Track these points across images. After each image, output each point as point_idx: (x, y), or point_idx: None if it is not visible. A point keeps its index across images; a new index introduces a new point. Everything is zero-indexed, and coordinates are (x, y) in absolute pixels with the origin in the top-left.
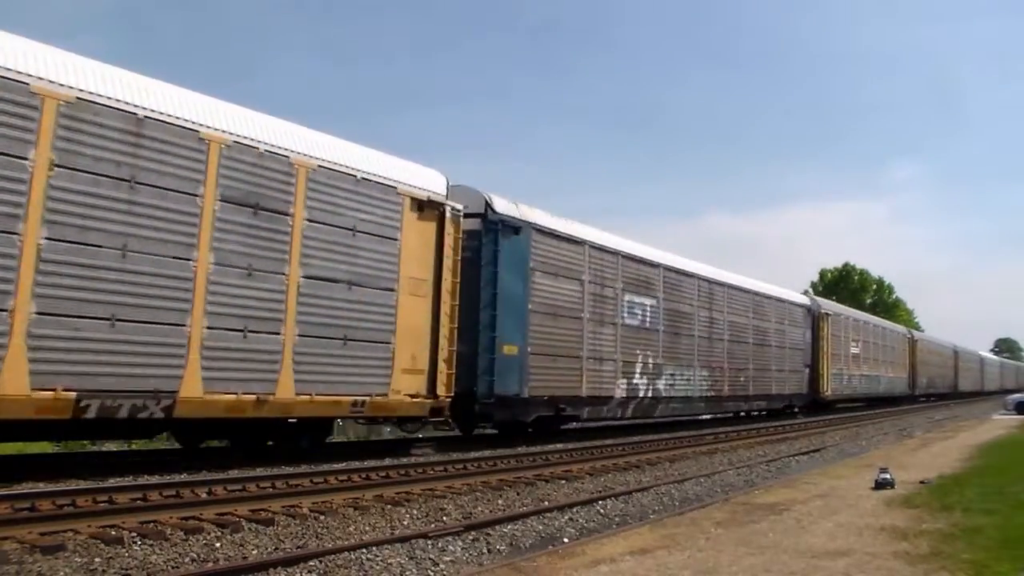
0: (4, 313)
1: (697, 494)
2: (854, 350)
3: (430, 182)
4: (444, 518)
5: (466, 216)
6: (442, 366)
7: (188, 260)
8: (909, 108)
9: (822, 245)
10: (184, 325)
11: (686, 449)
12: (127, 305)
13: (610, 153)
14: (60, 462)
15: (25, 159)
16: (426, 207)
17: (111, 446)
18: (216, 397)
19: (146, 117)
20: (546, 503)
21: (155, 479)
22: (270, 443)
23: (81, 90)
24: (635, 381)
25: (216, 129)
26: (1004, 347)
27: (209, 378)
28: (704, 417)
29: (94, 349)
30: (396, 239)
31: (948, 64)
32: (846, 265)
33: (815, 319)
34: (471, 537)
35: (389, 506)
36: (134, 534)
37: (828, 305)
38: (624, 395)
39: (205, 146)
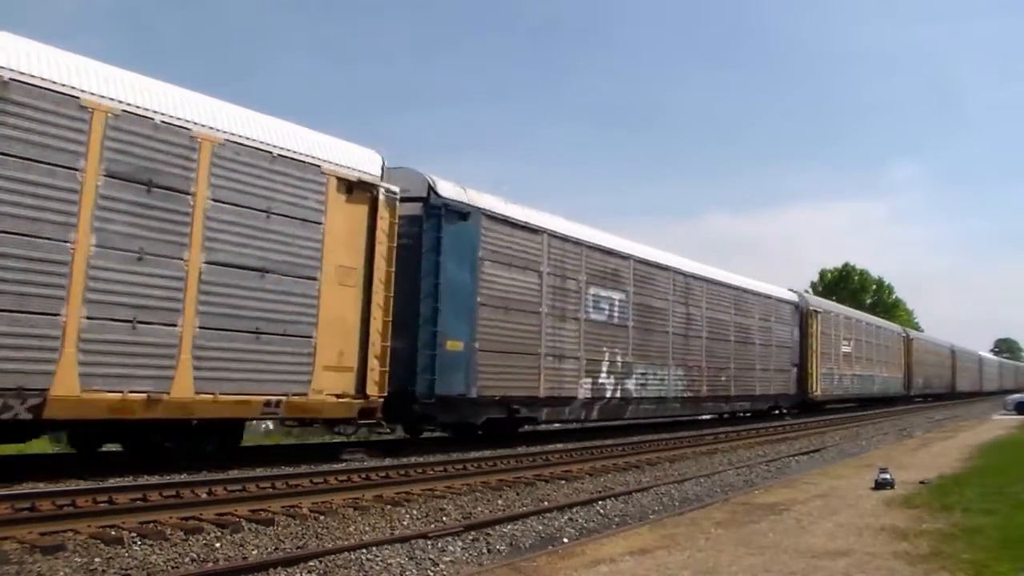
0: None
1: (697, 494)
2: (846, 349)
3: (361, 161)
4: (444, 518)
5: (406, 200)
6: (374, 363)
7: (64, 242)
8: (909, 108)
9: (822, 245)
10: (58, 314)
11: (686, 449)
12: None
13: (610, 153)
14: (60, 462)
15: None
16: (356, 189)
17: (111, 446)
18: (97, 395)
19: (12, 80)
20: (546, 503)
21: (155, 479)
22: (167, 444)
23: None
24: (601, 381)
25: (101, 96)
26: (1004, 347)
27: (88, 374)
28: (682, 419)
29: None
30: (319, 223)
31: (948, 64)
32: (846, 265)
33: (803, 316)
34: (471, 537)
35: (389, 506)
36: (134, 534)
37: (817, 302)
38: (588, 396)
39: (88, 115)
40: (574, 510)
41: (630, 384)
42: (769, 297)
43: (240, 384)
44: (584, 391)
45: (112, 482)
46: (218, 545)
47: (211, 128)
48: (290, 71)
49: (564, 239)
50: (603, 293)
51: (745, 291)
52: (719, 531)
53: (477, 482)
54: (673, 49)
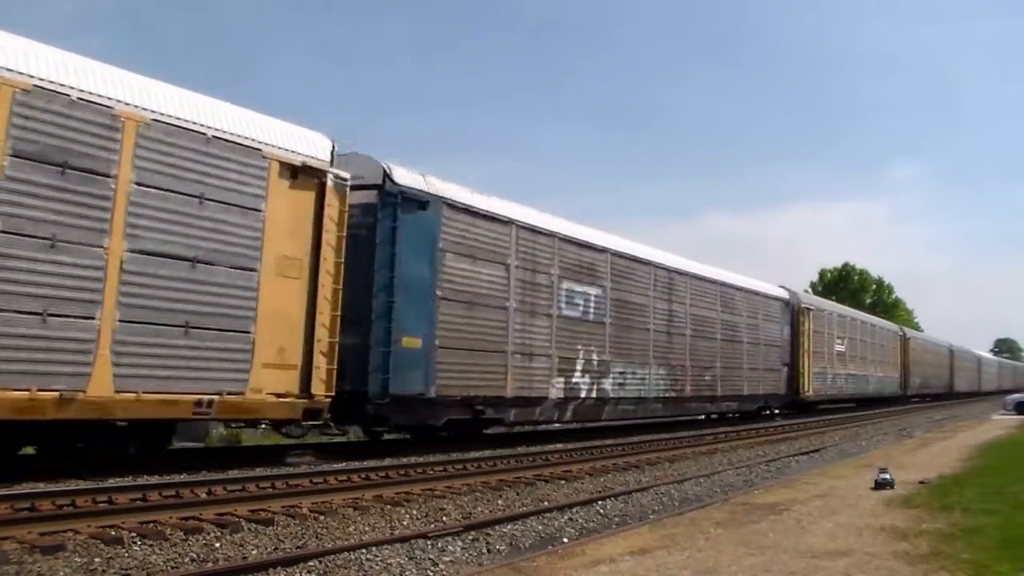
0: None
1: (697, 494)
2: (839, 348)
3: (308, 146)
4: (444, 518)
5: (360, 187)
6: (320, 360)
7: None
8: (909, 108)
9: (822, 245)
10: None
11: (686, 449)
12: None
13: (610, 153)
14: (60, 462)
15: None
16: (301, 174)
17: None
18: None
19: None
20: (546, 503)
21: (155, 479)
22: (79, 445)
23: None
24: (575, 380)
25: (8, 70)
26: (1004, 347)
27: None
28: (666, 420)
29: None
30: (259, 210)
31: (948, 64)
32: (846, 265)
33: (794, 314)
34: (471, 537)
35: (389, 506)
36: (134, 534)
37: (809, 299)
38: (561, 395)
39: None
40: (574, 510)
41: (607, 384)
42: (758, 293)
43: (166, 382)
44: (556, 391)
45: (112, 482)
46: (218, 545)
47: (136, 107)
48: (290, 71)
49: (535, 231)
50: (578, 288)
51: (732, 287)
52: (719, 531)
53: (477, 482)
54: (673, 49)
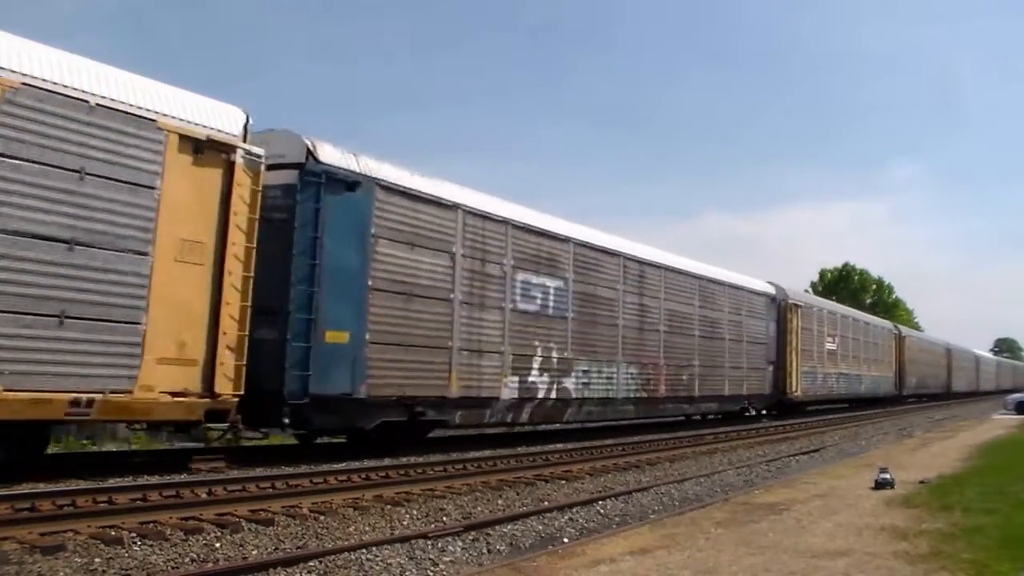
0: None
1: (697, 494)
2: (830, 346)
3: (214, 118)
4: (444, 518)
5: (279, 167)
6: (226, 356)
7: None
8: (909, 108)
9: (822, 245)
10: None
11: (686, 449)
12: None
13: (610, 153)
14: (60, 462)
15: None
16: (207, 149)
17: (111, 446)
18: None
19: None
20: (546, 503)
21: (155, 479)
22: None
23: None
24: (532, 379)
25: None
26: (1004, 347)
27: None
28: (636, 422)
29: None
30: (153, 187)
31: (948, 64)
32: (846, 265)
33: (781, 310)
34: (471, 537)
35: (389, 506)
36: (134, 534)
37: (797, 295)
38: (516, 396)
39: None
40: (574, 510)
41: (569, 383)
42: (741, 288)
43: (37, 379)
44: (510, 391)
45: (112, 482)
46: (218, 545)
47: (2, 68)
48: (291, 71)
49: (484, 217)
50: (535, 280)
51: (712, 281)
52: (719, 531)
53: (477, 482)
54: (673, 49)
